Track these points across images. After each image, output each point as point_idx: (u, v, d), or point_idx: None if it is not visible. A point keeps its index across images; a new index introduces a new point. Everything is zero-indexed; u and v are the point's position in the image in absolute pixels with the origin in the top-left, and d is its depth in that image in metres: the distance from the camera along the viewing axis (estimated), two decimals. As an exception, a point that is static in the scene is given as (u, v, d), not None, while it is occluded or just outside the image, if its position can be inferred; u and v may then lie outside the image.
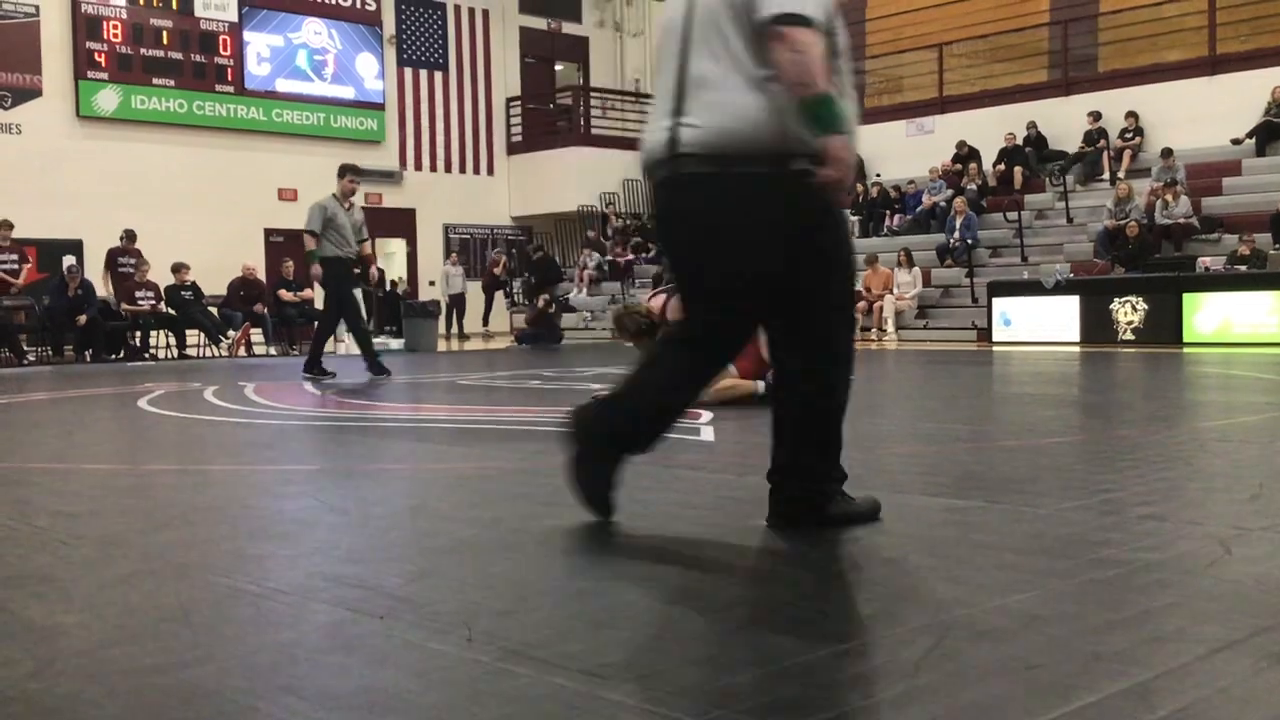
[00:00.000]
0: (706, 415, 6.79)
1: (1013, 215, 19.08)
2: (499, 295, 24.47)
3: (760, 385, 7.58)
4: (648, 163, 3.40)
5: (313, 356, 11.90)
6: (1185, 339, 15.18)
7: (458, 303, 23.59)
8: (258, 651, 2.38)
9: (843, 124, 3.19)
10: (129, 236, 18.21)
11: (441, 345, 20.21)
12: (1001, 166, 20.92)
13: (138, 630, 2.56)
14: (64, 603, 2.83)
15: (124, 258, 18.10)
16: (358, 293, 20.09)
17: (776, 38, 3.08)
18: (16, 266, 17.22)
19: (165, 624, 2.61)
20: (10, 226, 17.12)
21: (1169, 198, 17.56)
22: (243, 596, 2.84)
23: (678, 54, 3.31)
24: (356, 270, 12.10)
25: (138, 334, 17.75)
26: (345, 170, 11.79)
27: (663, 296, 7.90)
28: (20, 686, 2.19)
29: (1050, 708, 1.95)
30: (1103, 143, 19.97)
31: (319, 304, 20.18)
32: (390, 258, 25.44)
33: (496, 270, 24.49)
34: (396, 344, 19.17)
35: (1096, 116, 20.09)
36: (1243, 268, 15.64)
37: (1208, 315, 15.19)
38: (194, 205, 20.75)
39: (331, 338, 12.97)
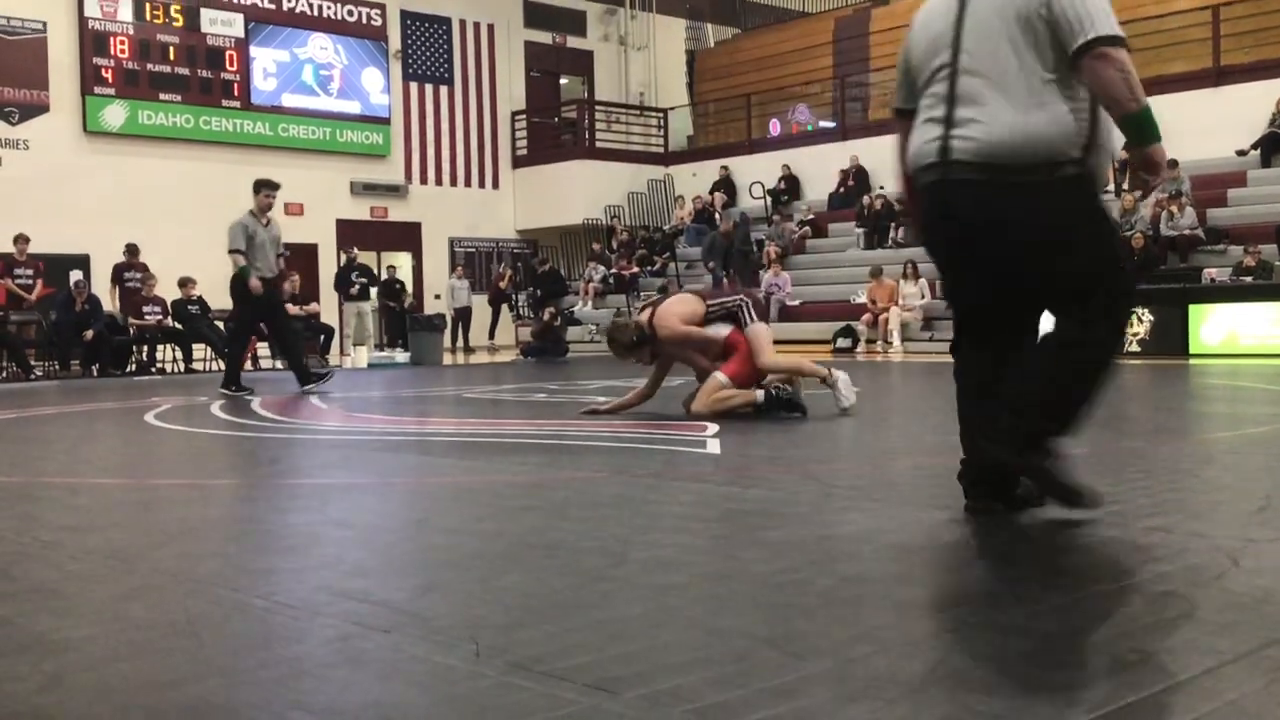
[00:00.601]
0: (712, 428, 6.79)
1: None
2: (504, 308, 24.48)
3: (759, 395, 7.56)
4: (916, 167, 3.67)
5: (233, 372, 11.78)
6: (1191, 350, 15.15)
7: (463, 316, 23.61)
8: (265, 666, 2.38)
9: (1158, 132, 3.44)
10: (132, 250, 18.22)
11: (447, 359, 20.22)
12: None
13: (145, 645, 2.56)
14: (72, 617, 2.84)
15: (129, 272, 18.12)
16: (367, 306, 20.28)
17: (1101, 58, 3.36)
18: (31, 281, 17.27)
19: (173, 638, 2.61)
20: (27, 240, 17.19)
21: (1174, 209, 17.56)
22: (250, 611, 2.84)
23: (949, 66, 3.58)
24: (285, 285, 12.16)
25: (144, 348, 17.77)
26: (260, 186, 11.68)
27: (650, 310, 7.91)
28: (29, 701, 2.19)
29: (1058, 721, 1.95)
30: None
31: (325, 317, 20.29)
32: (394, 273, 25.44)
33: (502, 284, 24.51)
34: (402, 357, 19.17)
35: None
36: (1248, 279, 15.63)
37: (1214, 326, 15.17)
38: (200, 220, 20.74)
39: (311, 350, 12.94)
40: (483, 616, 2.72)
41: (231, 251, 11.48)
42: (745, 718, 2.00)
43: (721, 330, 7.72)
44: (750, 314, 7.73)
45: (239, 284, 11.49)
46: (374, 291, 20.91)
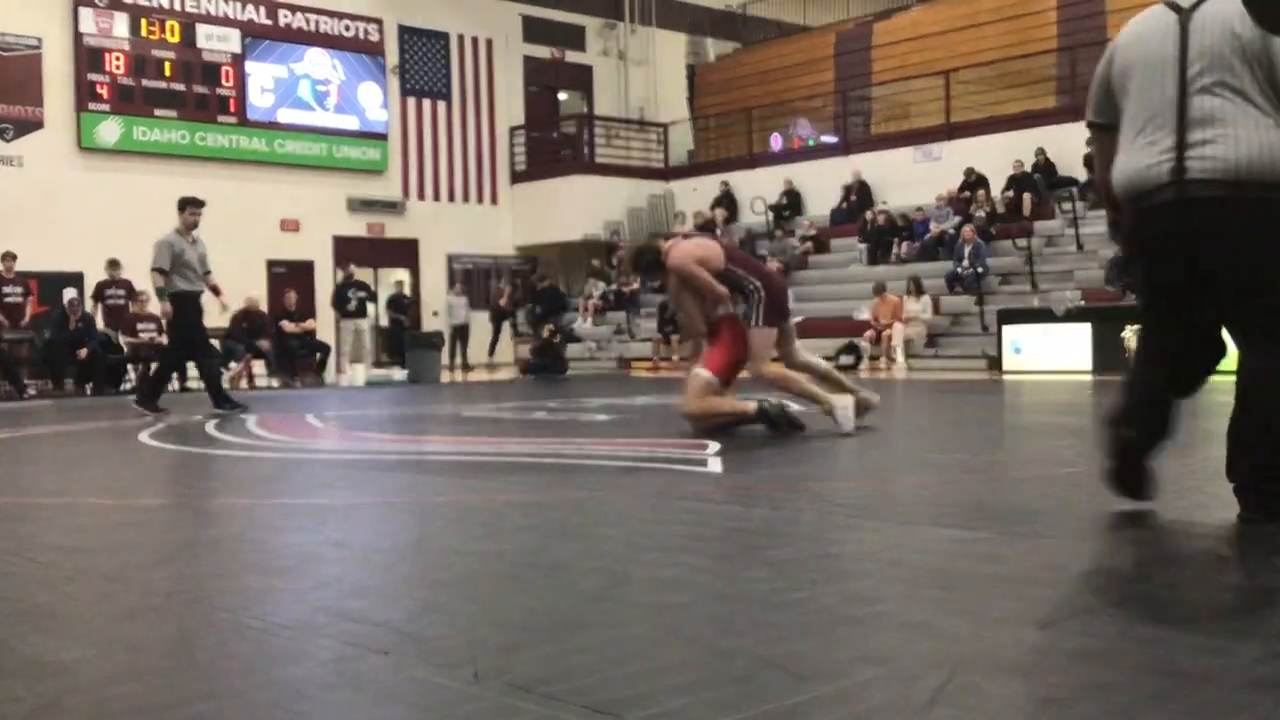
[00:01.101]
0: (714, 446, 6.76)
1: (1022, 243, 19.04)
2: (505, 325, 24.44)
3: (752, 406, 7.45)
4: (1139, 190, 3.79)
5: (152, 391, 11.64)
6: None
7: (461, 333, 23.57)
8: (262, 688, 2.35)
9: None
10: (113, 265, 18.13)
11: (445, 376, 20.19)
12: (1010, 193, 20.89)
13: (141, 667, 2.53)
14: (67, 639, 2.81)
15: (111, 289, 18.03)
16: (364, 323, 20.23)
17: None
18: (21, 300, 17.22)
19: (169, 660, 2.58)
20: (13, 258, 17.13)
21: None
22: (247, 632, 2.81)
23: (1175, 90, 3.72)
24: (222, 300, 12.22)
25: (139, 366, 17.71)
26: (185, 204, 11.71)
27: (674, 241, 7.96)
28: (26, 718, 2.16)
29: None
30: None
31: (321, 334, 20.25)
32: (404, 287, 25.42)
33: (503, 301, 24.48)
34: (400, 375, 19.13)
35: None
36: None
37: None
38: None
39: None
40: (482, 638, 2.69)
41: (154, 270, 11.46)
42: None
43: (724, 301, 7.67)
44: (759, 313, 7.61)
45: (176, 303, 11.43)
46: (372, 308, 20.83)
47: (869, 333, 18.72)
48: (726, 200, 25.40)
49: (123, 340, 17.61)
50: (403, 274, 25.04)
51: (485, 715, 2.14)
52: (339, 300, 20.41)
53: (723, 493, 5.12)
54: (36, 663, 2.58)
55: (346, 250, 23.55)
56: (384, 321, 22.10)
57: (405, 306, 21.94)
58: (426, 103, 25.86)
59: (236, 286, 19.70)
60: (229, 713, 2.21)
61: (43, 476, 6.71)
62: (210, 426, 9.56)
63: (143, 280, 18.05)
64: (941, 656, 2.44)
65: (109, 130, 21.45)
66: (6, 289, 17.05)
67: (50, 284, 18.99)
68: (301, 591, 3.26)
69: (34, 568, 3.70)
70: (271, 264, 22.75)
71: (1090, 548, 3.61)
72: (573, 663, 2.46)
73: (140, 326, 17.65)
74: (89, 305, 18.09)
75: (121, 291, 18.00)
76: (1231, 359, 3.86)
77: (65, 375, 17.06)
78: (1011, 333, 16.95)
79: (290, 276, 22.22)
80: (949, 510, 4.49)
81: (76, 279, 19.58)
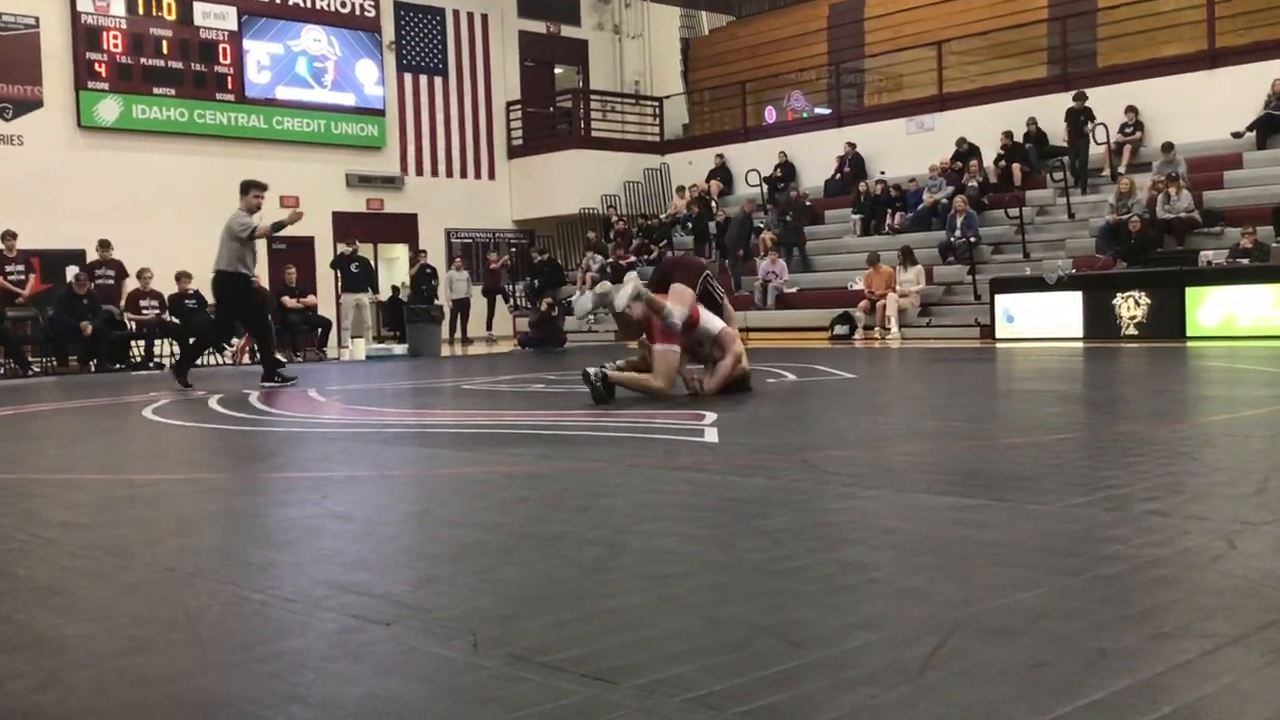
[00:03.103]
0: (710, 416, 6.80)
1: (1014, 212, 19.06)
2: (499, 300, 24.44)
3: (673, 384, 8.14)
4: None
5: (269, 366, 11.93)
6: (1189, 333, 15.15)
7: (462, 307, 23.56)
8: (264, 660, 2.38)
9: None
10: (104, 246, 18.15)
11: (445, 350, 20.21)
12: (1002, 163, 20.89)
13: (144, 640, 2.57)
14: (71, 614, 2.84)
15: (101, 269, 18.03)
16: (365, 298, 20.28)
17: None
18: (23, 277, 17.24)
19: (172, 634, 2.61)
20: (14, 236, 17.14)
21: (1171, 192, 17.55)
22: (249, 605, 2.84)
23: None
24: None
25: (142, 343, 17.74)
26: (249, 186, 11.69)
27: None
28: (29, 699, 2.20)
29: (1057, 705, 1.95)
30: (1090, 125, 19.76)
31: (322, 310, 20.29)
32: (392, 263, 25.44)
33: (494, 267, 24.49)
34: (400, 349, 19.16)
35: (1081, 97, 19.88)
36: (1245, 261, 15.62)
37: (1211, 309, 15.17)
38: (196, 214, 20.69)
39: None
40: (482, 608, 2.72)
41: (256, 236, 11.63)
42: (744, 706, 2.00)
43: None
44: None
45: (240, 281, 11.53)
46: (370, 295, 20.89)
47: (863, 303, 18.73)
48: (721, 173, 25.38)
49: (128, 318, 17.63)
50: (397, 250, 25.09)
51: (485, 684, 2.18)
52: (339, 263, 20.66)
53: (719, 463, 5.15)
54: (40, 637, 2.61)
55: (346, 226, 23.54)
56: (403, 297, 22.18)
57: (429, 277, 22.08)
58: (423, 78, 25.80)
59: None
60: (232, 685, 2.24)
61: (46, 453, 6.75)
62: (213, 401, 9.59)
63: (135, 260, 18.08)
64: (935, 622, 2.47)
65: (108, 109, 21.41)
66: (9, 267, 17.06)
67: (52, 262, 18.99)
68: (303, 565, 3.29)
69: (38, 544, 3.73)
70: (272, 240, 22.73)
71: (1082, 512, 3.64)
72: (572, 632, 2.49)
73: (143, 304, 17.67)
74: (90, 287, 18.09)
75: (111, 272, 18.00)
76: None
77: (69, 352, 17.07)
78: (1004, 301, 17.02)
79: (290, 253, 22.23)
80: (942, 478, 4.53)
81: (78, 256, 19.58)
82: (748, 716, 1.95)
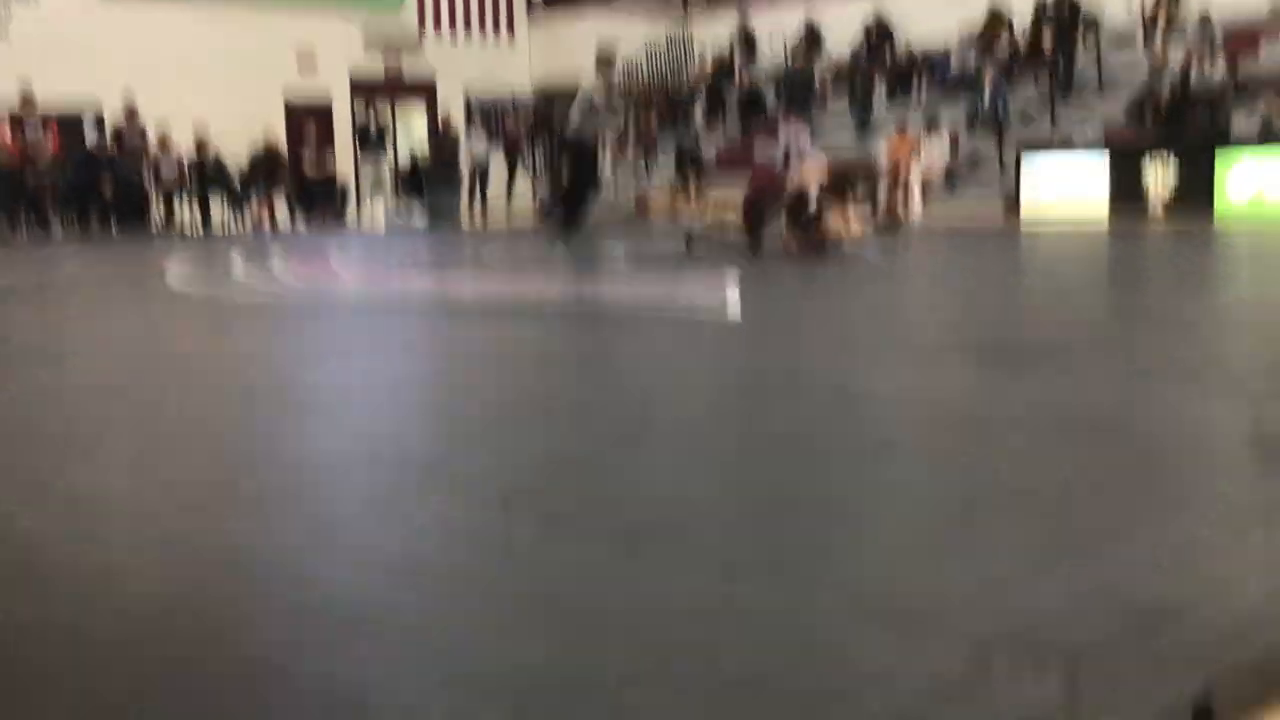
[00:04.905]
0: (733, 288, 6.78)
1: (1044, 80, 18.70)
2: (519, 166, 24.21)
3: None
4: None
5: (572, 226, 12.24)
6: (1218, 207, 14.92)
7: (482, 174, 23.37)
8: (297, 518, 2.42)
9: None
10: (130, 114, 18.10)
11: (465, 221, 20.12)
12: (1034, 30, 20.44)
13: (176, 499, 2.60)
14: (108, 471, 2.87)
15: (128, 135, 17.99)
16: (384, 163, 20.25)
17: None
18: (42, 141, 17.19)
19: (203, 492, 2.65)
20: (33, 102, 17.08)
21: (1205, 62, 17.18)
22: (279, 467, 2.88)
23: None
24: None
25: (163, 207, 17.76)
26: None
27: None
28: (66, 551, 2.23)
29: (1077, 571, 1.97)
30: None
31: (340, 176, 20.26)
32: (411, 129, 25.18)
33: (509, 127, 24.23)
34: (420, 219, 19.09)
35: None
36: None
37: (1242, 180, 14.91)
38: (212, 74, 20.46)
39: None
40: (512, 473, 2.75)
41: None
42: (767, 565, 2.02)
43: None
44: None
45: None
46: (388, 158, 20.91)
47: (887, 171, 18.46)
48: (745, 40, 24.92)
49: (148, 178, 17.63)
50: (418, 113, 24.86)
51: (516, 546, 2.21)
52: (363, 136, 20.67)
53: (741, 334, 5.15)
54: (73, 495, 2.65)
55: (364, 92, 23.29)
56: (421, 164, 22.14)
57: (453, 143, 21.98)
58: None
59: (255, 126, 19.63)
60: (266, 540, 2.27)
61: (71, 320, 6.78)
62: (238, 269, 9.59)
63: (156, 120, 18.01)
64: (959, 488, 2.49)
65: (124, -32, 21.05)
66: (28, 130, 17.02)
67: (68, 124, 18.88)
68: (335, 429, 3.32)
69: (68, 407, 3.77)
70: (289, 106, 22.52)
71: (1103, 385, 3.64)
72: (598, 494, 2.53)
73: (163, 168, 17.69)
74: (108, 149, 18.05)
75: (137, 136, 17.94)
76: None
77: (89, 213, 17.09)
78: (1031, 165, 16.81)
79: (308, 118, 22.03)
80: (966, 350, 4.52)
81: (96, 120, 19.46)
82: (773, 571, 1.97)
